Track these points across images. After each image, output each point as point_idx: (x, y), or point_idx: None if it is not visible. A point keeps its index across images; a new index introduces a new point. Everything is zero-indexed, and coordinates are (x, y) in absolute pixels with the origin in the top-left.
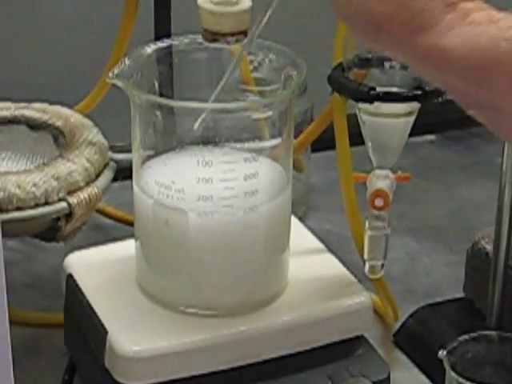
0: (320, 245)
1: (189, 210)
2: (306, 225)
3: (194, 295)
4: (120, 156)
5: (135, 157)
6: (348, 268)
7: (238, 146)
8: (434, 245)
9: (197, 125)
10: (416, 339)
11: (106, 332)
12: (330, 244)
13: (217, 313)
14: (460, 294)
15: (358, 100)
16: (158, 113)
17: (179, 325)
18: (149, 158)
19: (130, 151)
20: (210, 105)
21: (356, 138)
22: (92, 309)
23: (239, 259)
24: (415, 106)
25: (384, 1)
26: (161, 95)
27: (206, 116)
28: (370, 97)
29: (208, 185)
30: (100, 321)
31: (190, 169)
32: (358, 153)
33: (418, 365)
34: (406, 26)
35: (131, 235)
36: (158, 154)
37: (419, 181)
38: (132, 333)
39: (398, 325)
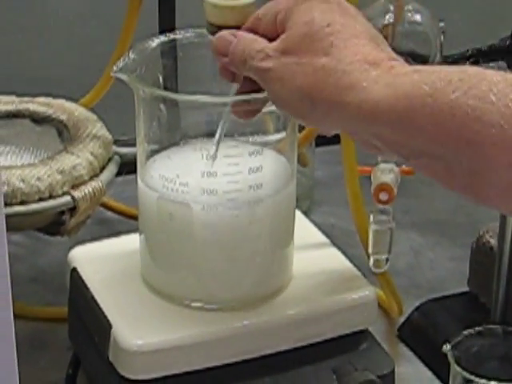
0: (324, 239)
1: (193, 203)
2: (310, 219)
3: (198, 289)
4: (124, 150)
5: (139, 151)
6: (352, 262)
7: (243, 139)
8: (438, 239)
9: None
10: (420, 333)
11: (110, 326)
12: (335, 238)
13: (221, 306)
14: (464, 289)
15: None
16: (162, 106)
17: (183, 319)
18: (153, 151)
19: (134, 145)
20: (213, 98)
21: None
22: (96, 303)
23: (243, 253)
24: None
25: (311, 73)
26: (165, 89)
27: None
28: None
29: (212, 178)
30: (104, 315)
31: (194, 162)
32: None
33: (422, 359)
34: (335, 88)
35: (135, 229)
36: (162, 147)
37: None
38: (136, 327)
39: (402, 319)
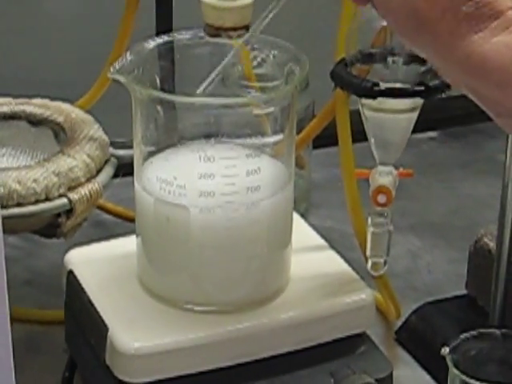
0: (322, 241)
1: (190, 206)
2: (307, 221)
3: (196, 292)
4: (121, 152)
5: (136, 153)
6: (350, 265)
7: (240, 141)
8: (436, 242)
9: (203, 87)
10: (418, 336)
11: (106, 329)
12: (332, 241)
13: (218, 309)
14: (462, 292)
15: (361, 96)
16: (159, 108)
17: (180, 321)
18: (150, 153)
19: (131, 147)
20: (212, 100)
21: (358, 134)
22: (93, 305)
23: (241, 255)
24: (418, 101)
25: (431, 1)
26: (162, 90)
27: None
28: (374, 92)
29: (210, 180)
30: (101, 317)
31: (191, 164)
32: (361, 149)
33: (420, 362)
34: (450, 29)
35: (132, 231)
36: (159, 149)
37: (421, 177)
38: (133, 329)
39: (400, 322)
